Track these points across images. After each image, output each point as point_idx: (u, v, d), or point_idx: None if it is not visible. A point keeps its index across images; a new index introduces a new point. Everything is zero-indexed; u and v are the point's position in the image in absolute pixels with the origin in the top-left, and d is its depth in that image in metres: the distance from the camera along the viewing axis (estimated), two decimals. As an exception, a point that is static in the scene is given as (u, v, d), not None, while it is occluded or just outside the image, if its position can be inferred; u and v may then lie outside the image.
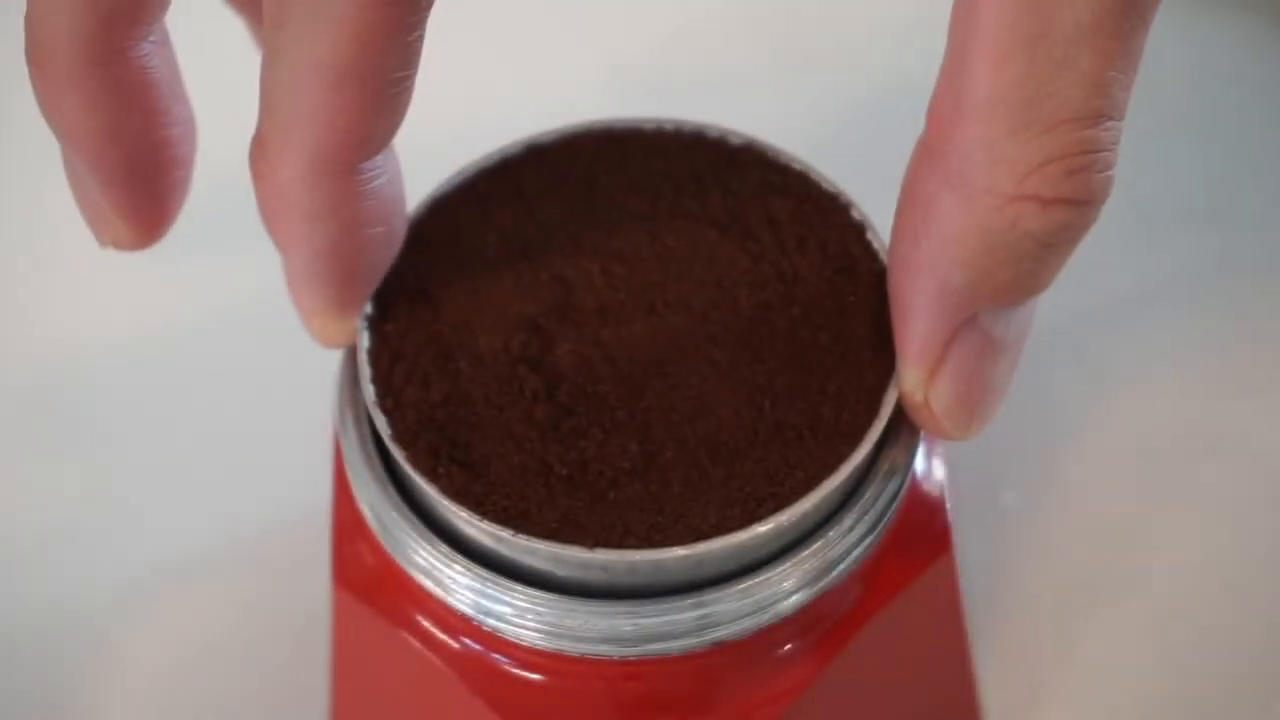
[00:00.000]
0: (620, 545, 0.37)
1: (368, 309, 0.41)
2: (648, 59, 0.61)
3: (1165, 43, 0.60)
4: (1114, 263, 0.56)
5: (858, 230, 0.42)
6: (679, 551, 0.37)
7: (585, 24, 0.62)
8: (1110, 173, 0.37)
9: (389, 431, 0.39)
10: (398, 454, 0.39)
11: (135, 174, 0.41)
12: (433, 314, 0.41)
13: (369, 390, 0.40)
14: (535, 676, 0.40)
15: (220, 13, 0.48)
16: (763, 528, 0.38)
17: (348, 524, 0.41)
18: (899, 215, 0.38)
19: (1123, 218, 0.57)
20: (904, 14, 0.60)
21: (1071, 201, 0.36)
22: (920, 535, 0.41)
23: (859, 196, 0.42)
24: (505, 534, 0.38)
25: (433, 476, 0.38)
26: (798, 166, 0.43)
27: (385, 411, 0.39)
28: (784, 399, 0.39)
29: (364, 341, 0.40)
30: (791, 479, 0.38)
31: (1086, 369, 0.54)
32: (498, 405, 0.39)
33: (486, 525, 0.38)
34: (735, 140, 0.43)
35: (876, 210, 0.42)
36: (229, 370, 0.54)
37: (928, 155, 0.37)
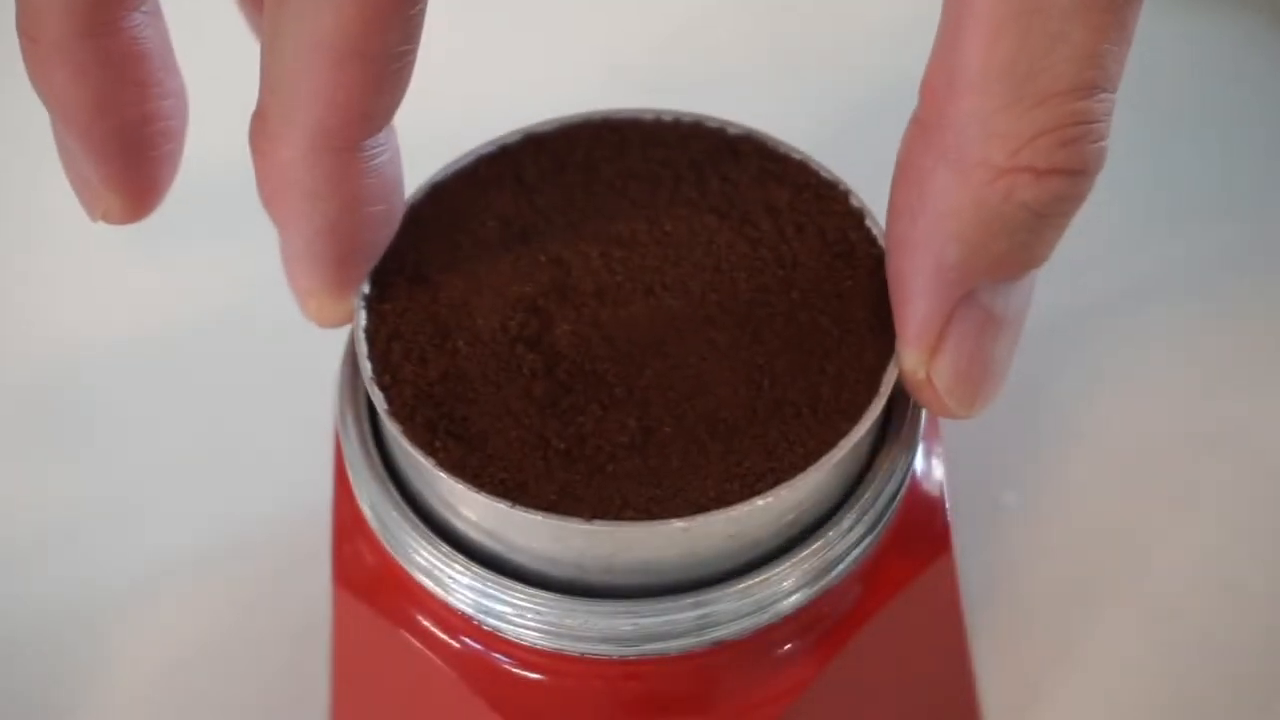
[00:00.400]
0: (619, 517, 0.37)
1: (365, 289, 0.41)
2: (647, 58, 0.61)
3: (1165, 42, 0.60)
4: (1113, 262, 0.56)
5: (857, 217, 0.42)
6: (677, 524, 0.37)
7: (585, 22, 0.62)
8: (1104, 143, 0.37)
9: (385, 406, 0.39)
10: (394, 429, 0.39)
11: (126, 147, 0.41)
12: (430, 295, 0.41)
13: (366, 367, 0.40)
14: (535, 676, 0.40)
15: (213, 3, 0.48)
16: (762, 501, 0.38)
17: (348, 524, 0.42)
18: (894, 193, 0.38)
19: (1122, 216, 0.57)
20: (902, 11, 0.60)
21: (1065, 172, 0.36)
22: (920, 535, 0.41)
23: (858, 190, 0.42)
24: (503, 505, 0.38)
25: (430, 450, 0.38)
26: (797, 156, 0.43)
27: (382, 388, 0.39)
28: (783, 378, 0.39)
29: (361, 320, 0.40)
30: (791, 454, 0.38)
31: (1086, 369, 0.54)
32: (495, 382, 0.39)
33: (484, 497, 0.38)
34: (734, 130, 0.43)
35: (876, 204, 0.42)
36: (229, 370, 0.54)
37: (921, 130, 0.37)
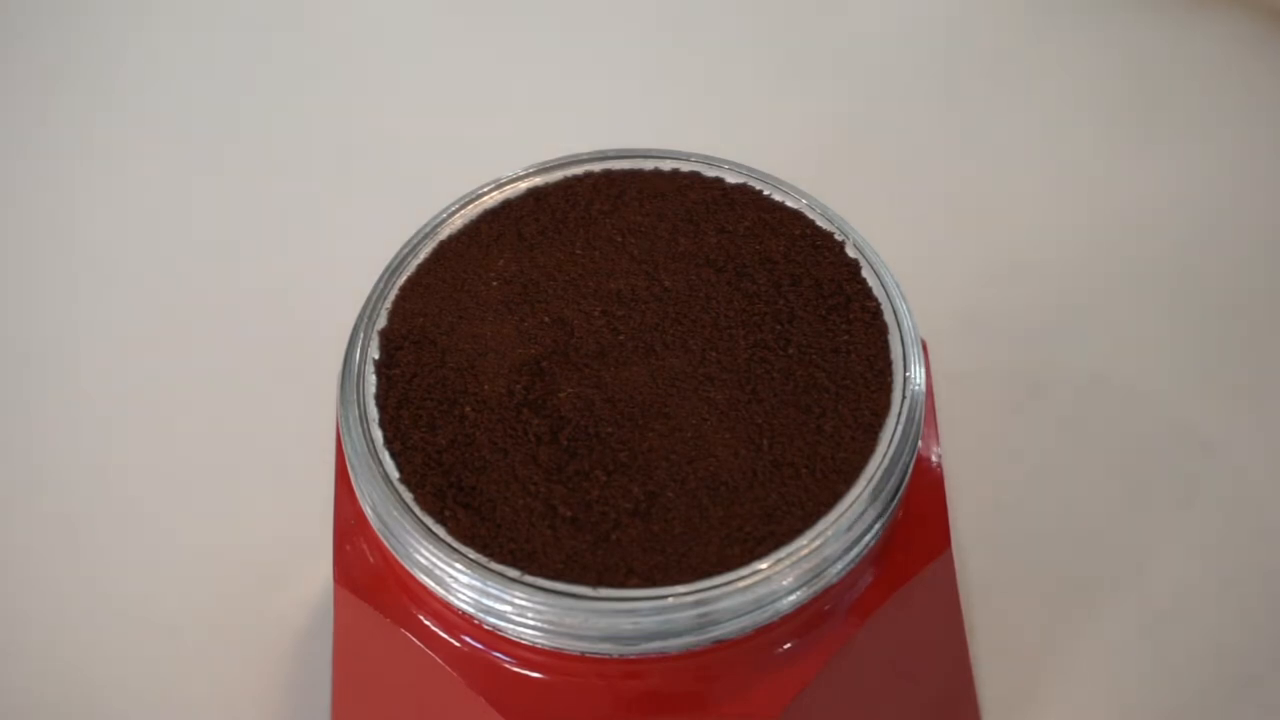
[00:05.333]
0: (624, 585, 0.38)
1: (375, 353, 0.41)
2: (656, 72, 0.61)
3: (1165, 43, 0.60)
4: (1110, 262, 0.56)
5: (852, 268, 0.42)
6: (680, 590, 0.38)
7: (594, 46, 0.62)
8: None
9: (397, 474, 0.40)
10: (406, 496, 0.40)
11: None
12: (438, 359, 0.41)
13: (378, 434, 0.40)
14: (536, 675, 0.40)
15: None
16: (761, 564, 0.39)
17: (348, 522, 0.42)
18: None
19: (1121, 216, 0.57)
20: (898, 25, 0.61)
21: None
22: (920, 534, 0.42)
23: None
24: (514, 574, 0.39)
25: (440, 519, 0.39)
26: (792, 204, 0.43)
27: (394, 454, 0.40)
28: (781, 438, 0.40)
29: (371, 386, 0.41)
30: (789, 517, 0.39)
31: (1085, 368, 0.54)
32: (502, 448, 0.40)
33: (495, 566, 0.39)
34: (733, 179, 0.44)
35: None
36: (229, 370, 0.55)
37: None
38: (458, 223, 0.44)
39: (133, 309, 0.56)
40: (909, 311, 0.42)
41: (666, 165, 0.44)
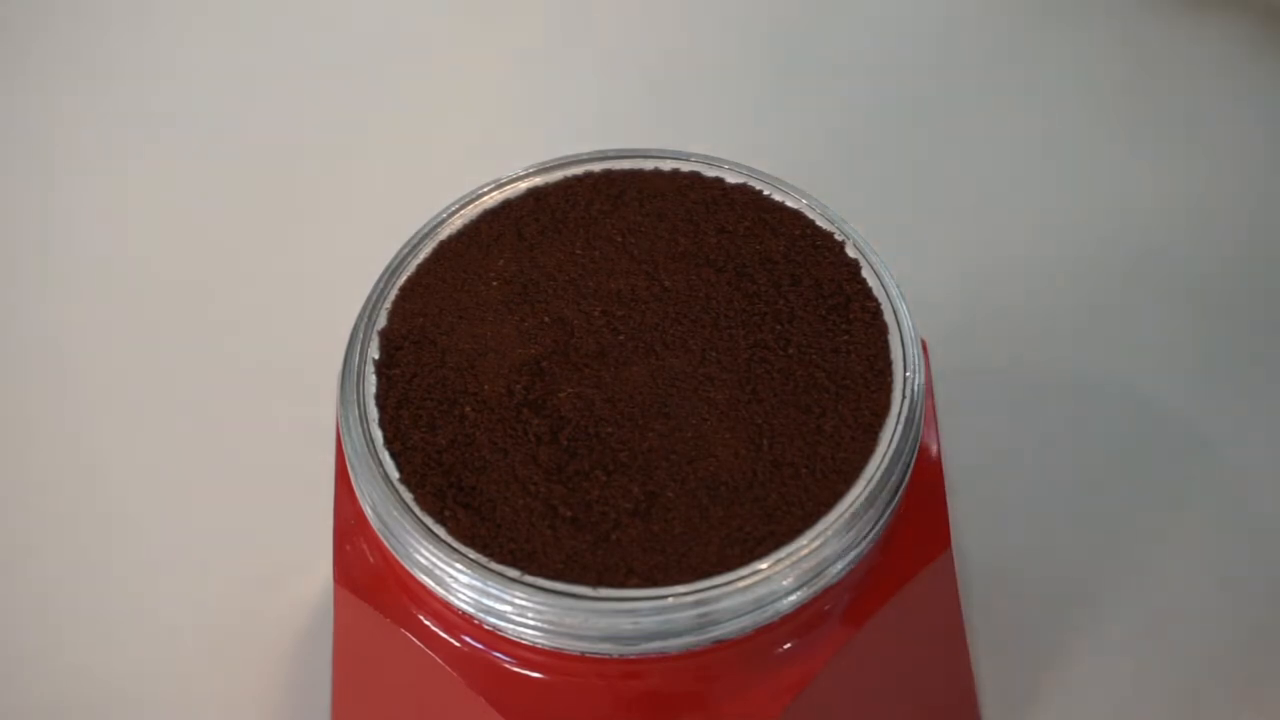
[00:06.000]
0: (624, 585, 0.38)
1: (375, 353, 0.41)
2: (655, 72, 0.61)
3: (1165, 43, 0.60)
4: (1110, 262, 0.56)
5: (852, 268, 0.42)
6: (680, 590, 0.38)
7: (594, 46, 0.62)
8: None
9: (397, 474, 0.40)
10: (406, 496, 0.40)
11: None
12: (438, 359, 0.41)
13: (378, 434, 0.40)
14: (535, 675, 0.40)
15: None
16: (761, 565, 0.39)
17: (348, 522, 0.42)
18: None
19: (1119, 217, 0.57)
20: (901, 22, 0.61)
21: None
22: (920, 534, 0.42)
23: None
24: (514, 574, 0.39)
25: (440, 519, 0.39)
26: (792, 204, 0.43)
27: (393, 454, 0.40)
28: (781, 438, 0.40)
29: (371, 386, 0.41)
30: (789, 517, 0.39)
31: (1084, 368, 0.54)
32: (502, 448, 0.40)
33: (495, 566, 0.39)
34: (732, 179, 0.44)
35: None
36: (229, 369, 0.55)
37: None
38: (458, 223, 0.44)
39: (132, 309, 0.56)
40: (909, 311, 0.42)
41: (666, 165, 0.44)
